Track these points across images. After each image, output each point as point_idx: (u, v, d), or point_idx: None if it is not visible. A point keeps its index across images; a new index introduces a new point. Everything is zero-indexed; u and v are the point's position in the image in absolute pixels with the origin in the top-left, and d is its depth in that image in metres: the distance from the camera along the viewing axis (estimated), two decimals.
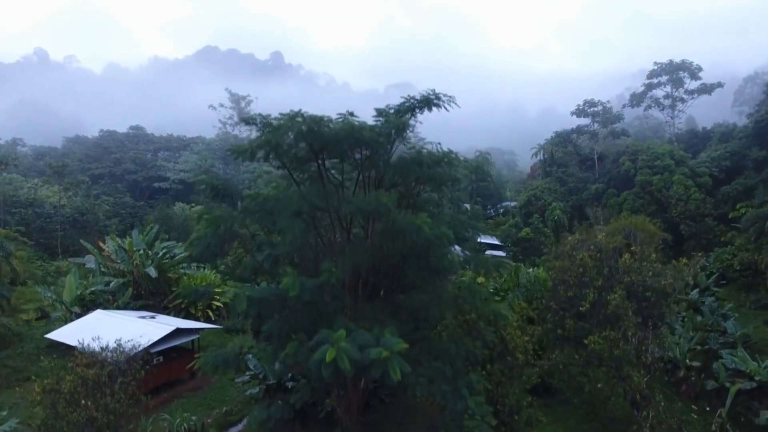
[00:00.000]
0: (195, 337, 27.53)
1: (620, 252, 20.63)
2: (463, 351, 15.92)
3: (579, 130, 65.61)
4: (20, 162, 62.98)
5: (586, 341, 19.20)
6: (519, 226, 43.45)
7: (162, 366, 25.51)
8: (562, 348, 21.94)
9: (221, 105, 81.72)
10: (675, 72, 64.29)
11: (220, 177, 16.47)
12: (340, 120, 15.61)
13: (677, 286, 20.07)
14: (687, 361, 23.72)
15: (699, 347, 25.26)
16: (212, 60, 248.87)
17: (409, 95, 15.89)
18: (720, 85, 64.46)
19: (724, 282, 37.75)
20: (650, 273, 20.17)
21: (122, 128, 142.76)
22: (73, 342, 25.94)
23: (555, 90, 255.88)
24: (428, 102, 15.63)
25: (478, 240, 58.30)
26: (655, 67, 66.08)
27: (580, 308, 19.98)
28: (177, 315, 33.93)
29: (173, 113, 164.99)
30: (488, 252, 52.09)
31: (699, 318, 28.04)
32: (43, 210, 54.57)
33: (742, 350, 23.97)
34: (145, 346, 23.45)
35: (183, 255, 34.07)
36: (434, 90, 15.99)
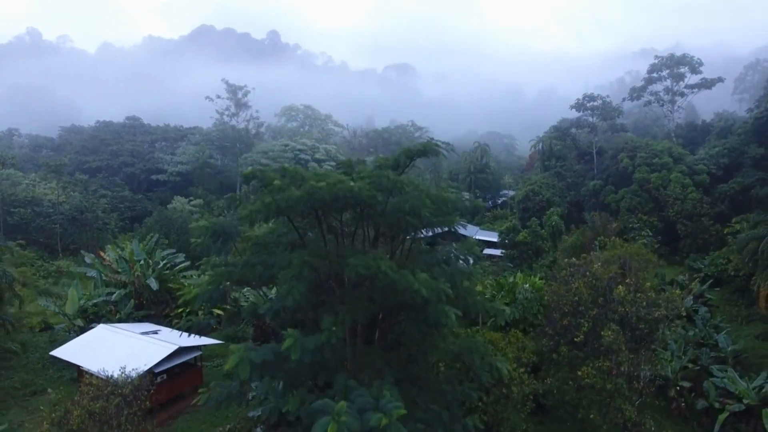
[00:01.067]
0: (198, 354, 28.00)
1: (615, 282, 20.98)
2: (459, 394, 16.40)
3: (578, 124, 65.39)
4: (17, 160, 62.47)
5: (579, 372, 19.69)
6: (517, 228, 43.77)
7: (166, 383, 26.06)
8: (556, 372, 22.50)
9: (218, 96, 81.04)
10: (675, 66, 63.77)
11: (219, 221, 16.53)
12: (340, 171, 15.73)
13: (671, 316, 20.49)
14: (678, 382, 24.28)
15: (691, 365, 25.82)
16: (207, 40, 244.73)
17: (409, 147, 15.91)
18: (721, 79, 64.05)
19: (717, 288, 38.29)
20: (644, 303, 20.55)
21: (117, 112, 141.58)
22: (77, 361, 26.61)
23: (555, 70, 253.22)
24: (425, 151, 15.75)
25: (476, 238, 57.87)
26: (656, 61, 65.53)
27: (575, 339, 20.43)
28: (178, 323, 34.54)
29: (169, 96, 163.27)
30: (486, 251, 52.59)
31: (691, 332, 28.59)
32: (42, 209, 54.62)
33: (732, 370, 24.57)
34: (150, 367, 24.13)
35: (183, 265, 34.46)
36: (433, 138, 16.09)
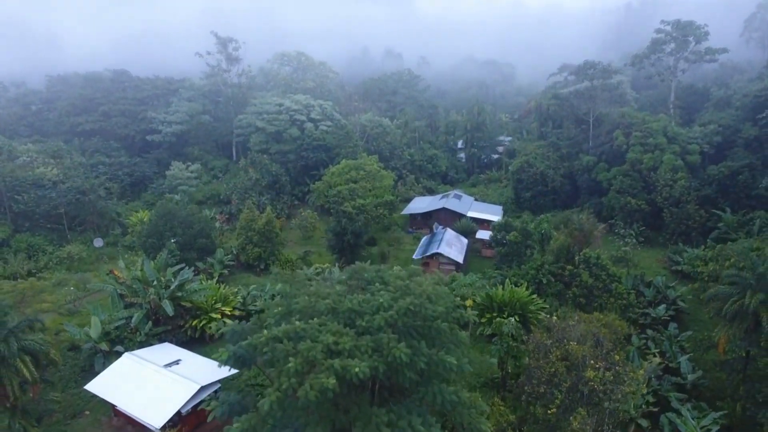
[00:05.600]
0: (218, 386, 31.20)
1: (589, 359, 23.63)
2: None
3: (576, 92, 64.77)
4: (14, 147, 61.48)
5: None
6: (510, 225, 45.87)
7: (191, 416, 29.68)
8: (532, 424, 25.96)
9: (208, 53, 78.08)
10: (681, 33, 61.74)
11: (238, 350, 18.78)
12: (344, 311, 17.58)
13: (633, 394, 23.47)
14: (637, 419, 27.87)
15: (651, 398, 29.29)
16: None
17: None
18: (725, 50, 62.34)
19: (693, 292, 41.16)
20: (611, 377, 23.42)
21: (101, 46, 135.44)
22: (111, 399, 29.99)
23: None
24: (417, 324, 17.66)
25: (470, 216, 60.00)
26: (662, 26, 63.23)
27: (548, 411, 23.54)
28: (193, 335, 37.70)
29: (154, 23, 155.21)
30: (478, 234, 54.87)
31: (657, 360, 31.90)
32: (45, 191, 55.65)
33: (686, 410, 28.02)
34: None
35: (193, 285, 36.98)
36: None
